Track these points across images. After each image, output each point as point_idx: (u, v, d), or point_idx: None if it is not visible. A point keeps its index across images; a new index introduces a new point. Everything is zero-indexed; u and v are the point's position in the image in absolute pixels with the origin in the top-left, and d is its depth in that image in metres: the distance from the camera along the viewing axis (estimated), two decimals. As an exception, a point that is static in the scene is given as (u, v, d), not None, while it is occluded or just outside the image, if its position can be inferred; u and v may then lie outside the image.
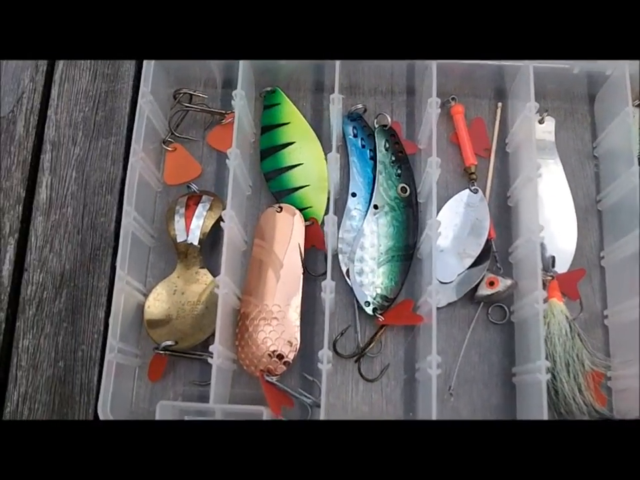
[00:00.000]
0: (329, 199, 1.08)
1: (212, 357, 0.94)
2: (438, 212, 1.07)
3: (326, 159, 1.12)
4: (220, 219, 1.07)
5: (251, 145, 1.16)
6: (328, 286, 0.96)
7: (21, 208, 1.14)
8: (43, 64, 1.22)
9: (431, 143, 1.03)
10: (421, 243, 1.08)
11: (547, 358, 0.94)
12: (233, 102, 1.05)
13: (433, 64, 1.07)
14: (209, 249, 1.10)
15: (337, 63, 1.07)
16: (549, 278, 1.07)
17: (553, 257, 1.09)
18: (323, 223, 1.09)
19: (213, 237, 1.09)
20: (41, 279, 1.11)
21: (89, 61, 1.21)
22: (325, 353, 0.93)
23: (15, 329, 1.09)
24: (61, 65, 1.22)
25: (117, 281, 0.97)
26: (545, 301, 0.96)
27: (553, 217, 1.11)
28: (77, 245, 1.12)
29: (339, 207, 1.10)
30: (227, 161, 1.02)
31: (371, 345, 1.05)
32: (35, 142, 1.18)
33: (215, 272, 1.08)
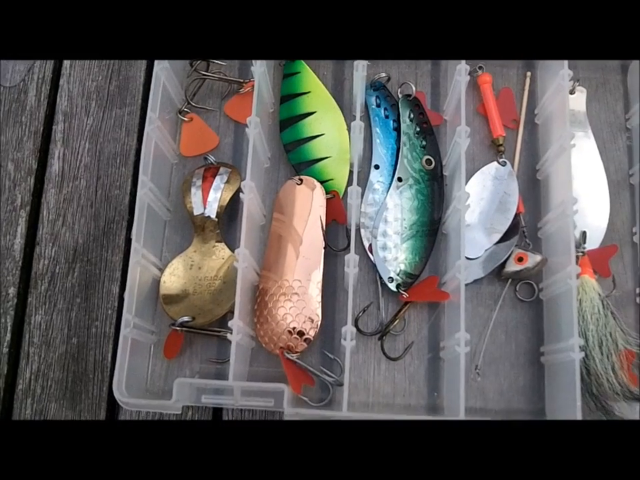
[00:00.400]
0: (351, 170, 1.04)
1: (230, 334, 0.90)
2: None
3: (348, 129, 1.08)
4: (238, 191, 1.03)
5: (270, 115, 1.12)
6: (351, 259, 0.92)
7: (32, 180, 1.11)
8: (54, 31, 1.17)
9: (459, 111, 0.99)
10: (447, 217, 1.04)
11: (579, 335, 0.90)
12: (252, 69, 1.01)
13: (461, 30, 1.02)
14: (226, 222, 1.07)
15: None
16: (580, 254, 1.02)
17: (584, 233, 1.05)
18: (344, 195, 1.05)
19: (231, 210, 1.06)
20: (53, 253, 1.07)
21: (102, 29, 1.16)
22: (348, 330, 0.90)
23: (27, 304, 1.06)
24: (73, 32, 1.17)
25: (132, 254, 0.94)
26: (577, 277, 0.92)
27: (584, 191, 1.07)
28: (90, 219, 1.09)
29: (361, 179, 1.06)
30: (246, 130, 0.98)
31: (395, 323, 1.01)
32: (46, 112, 1.14)
33: (232, 246, 1.04)
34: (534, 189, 1.09)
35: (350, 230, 0.97)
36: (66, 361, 1.03)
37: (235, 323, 0.90)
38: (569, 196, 0.95)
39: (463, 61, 1.00)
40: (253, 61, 1.00)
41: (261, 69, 1.00)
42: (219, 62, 1.10)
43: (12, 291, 1.06)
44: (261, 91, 1.02)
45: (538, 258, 1.02)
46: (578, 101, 1.12)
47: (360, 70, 1.00)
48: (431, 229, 1.05)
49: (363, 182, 1.07)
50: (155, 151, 1.01)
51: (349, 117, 1.11)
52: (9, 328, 1.05)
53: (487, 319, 1.04)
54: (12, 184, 1.10)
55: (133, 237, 0.94)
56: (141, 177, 0.96)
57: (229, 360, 0.90)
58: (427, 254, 1.04)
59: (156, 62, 1.01)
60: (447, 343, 0.98)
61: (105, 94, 1.14)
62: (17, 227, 1.09)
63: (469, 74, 1.04)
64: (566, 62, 1.01)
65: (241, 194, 0.95)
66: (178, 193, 1.08)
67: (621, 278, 1.06)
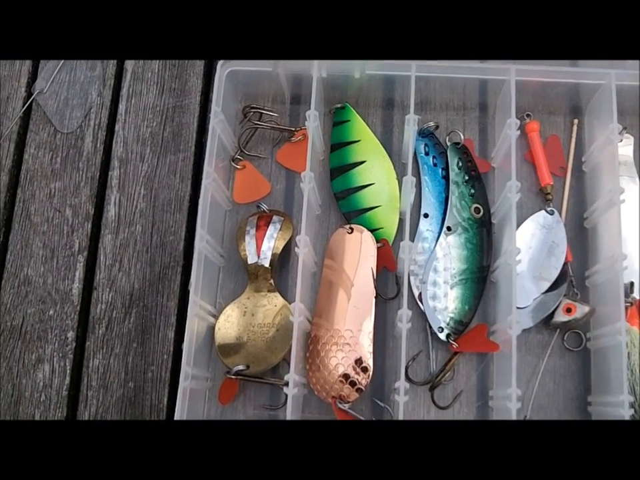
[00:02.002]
0: (401, 219, 1.07)
1: (284, 384, 0.93)
2: (513, 235, 1.04)
3: (397, 179, 1.10)
4: (291, 239, 1.06)
5: (321, 162, 1.14)
6: (404, 315, 0.94)
7: (89, 225, 1.14)
8: (110, 78, 1.21)
9: (509, 163, 1.01)
10: (497, 267, 1.06)
11: (628, 392, 0.91)
12: (306, 122, 1.03)
13: (512, 80, 1.04)
14: (279, 267, 1.09)
15: (412, 78, 1.05)
16: (628, 305, 1.03)
17: (632, 283, 1.05)
18: (394, 243, 1.07)
19: (283, 256, 1.08)
20: (110, 298, 1.11)
21: (156, 76, 1.20)
22: (402, 385, 0.92)
23: (85, 348, 1.09)
24: (128, 78, 1.21)
25: (190, 306, 0.97)
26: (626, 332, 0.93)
27: (631, 238, 1.08)
28: (145, 264, 1.12)
29: (411, 227, 1.07)
30: (300, 185, 1.00)
31: (446, 374, 1.03)
32: (103, 158, 1.17)
33: (284, 292, 1.07)
34: (581, 236, 1.10)
35: (401, 281, 0.99)
36: (123, 405, 1.07)
37: (292, 377, 0.92)
38: (618, 252, 0.96)
39: (513, 115, 1.02)
40: (307, 115, 1.02)
41: (314, 124, 1.02)
42: (271, 112, 1.13)
43: (71, 335, 1.10)
44: (314, 143, 1.04)
45: (586, 309, 1.03)
46: (625, 148, 1.13)
47: (412, 124, 1.02)
48: (480, 276, 1.07)
49: (413, 230, 1.08)
50: (210, 200, 1.03)
51: (397, 164, 1.13)
52: (68, 371, 1.08)
53: (535, 367, 1.05)
54: (70, 229, 1.14)
55: (192, 289, 0.97)
56: (199, 231, 0.99)
57: (282, 406, 0.93)
58: (476, 302, 1.06)
59: (212, 114, 1.04)
60: (497, 394, 1.00)
61: (159, 140, 1.17)
62: (75, 271, 1.12)
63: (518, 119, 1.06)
64: (615, 114, 1.02)
65: (295, 248, 0.98)
66: (231, 239, 1.11)
67: (669, 327, 1.06)
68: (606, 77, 1.05)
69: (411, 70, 1.05)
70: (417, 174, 1.12)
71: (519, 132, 1.02)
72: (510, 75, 1.05)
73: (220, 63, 1.07)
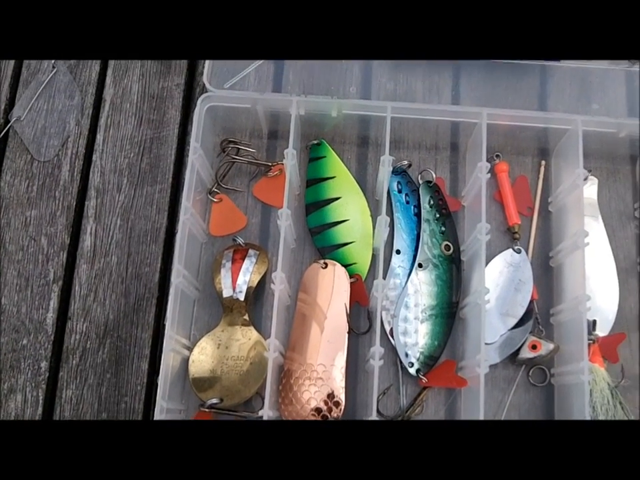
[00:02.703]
0: (373, 255, 1.09)
1: (258, 418, 0.95)
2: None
3: (371, 215, 1.13)
4: (266, 273, 1.08)
5: (296, 197, 1.16)
6: (377, 352, 0.97)
7: (65, 255, 1.15)
8: (88, 107, 1.22)
9: (479, 204, 1.04)
10: (466, 305, 1.09)
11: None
12: (284, 160, 1.06)
13: (483, 123, 1.08)
14: (253, 299, 1.11)
15: (388, 120, 1.08)
16: (590, 342, 1.07)
17: (594, 321, 1.09)
18: (366, 278, 1.10)
19: (257, 288, 1.10)
20: (84, 328, 1.11)
21: (134, 107, 1.21)
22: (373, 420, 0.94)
23: (59, 378, 1.10)
24: (106, 109, 1.22)
25: (166, 341, 0.98)
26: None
27: (594, 276, 1.12)
28: (120, 295, 1.13)
29: (384, 263, 1.10)
30: (277, 221, 1.02)
31: (415, 409, 1.06)
32: (79, 187, 1.18)
33: (257, 323, 1.09)
34: (547, 275, 1.14)
35: (373, 316, 1.02)
36: (96, 435, 1.07)
37: (266, 412, 0.94)
38: (582, 293, 1.00)
39: (484, 158, 1.05)
40: (285, 153, 1.05)
41: (292, 162, 1.05)
42: (249, 148, 1.15)
43: (44, 365, 1.10)
44: (291, 180, 1.06)
45: (551, 346, 1.07)
46: (590, 189, 1.17)
47: (387, 165, 1.05)
48: (450, 312, 1.10)
49: (385, 265, 1.11)
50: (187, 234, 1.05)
51: (371, 200, 1.16)
52: (40, 402, 1.09)
53: (500, 401, 1.09)
54: (45, 258, 1.14)
55: (167, 324, 0.99)
56: (176, 266, 1.00)
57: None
58: (445, 338, 1.09)
59: (191, 150, 1.06)
60: (464, 429, 1.03)
61: (136, 171, 1.18)
62: (49, 301, 1.13)
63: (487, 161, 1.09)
64: (581, 160, 1.06)
65: (271, 285, 1.00)
66: (207, 271, 1.12)
67: (628, 363, 1.11)
68: (572, 122, 1.09)
69: (387, 111, 1.08)
70: (390, 211, 1.14)
71: (489, 175, 1.05)
72: (481, 118, 1.08)
73: (200, 98, 1.09)
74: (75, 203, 1.17)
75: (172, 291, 1.00)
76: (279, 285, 0.99)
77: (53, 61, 1.24)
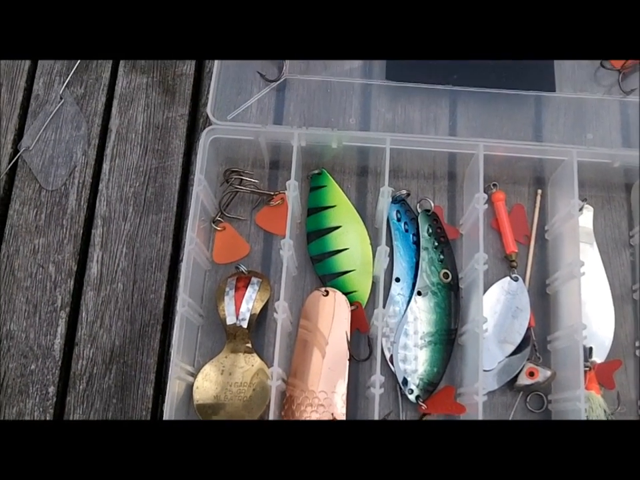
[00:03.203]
0: (373, 282, 1.12)
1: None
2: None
3: (371, 244, 1.16)
4: (268, 301, 1.11)
5: (298, 225, 1.19)
6: (377, 381, 0.99)
7: (72, 282, 1.17)
8: (95, 138, 1.25)
9: (477, 233, 1.07)
10: (464, 332, 1.11)
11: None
12: (286, 192, 1.09)
13: (480, 155, 1.10)
14: (255, 326, 1.13)
15: (387, 151, 1.10)
16: (587, 369, 1.09)
17: (591, 348, 1.12)
18: (366, 306, 1.13)
19: (260, 315, 1.13)
20: (91, 354, 1.14)
21: (139, 137, 1.24)
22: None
23: (66, 403, 1.12)
24: (112, 139, 1.25)
25: (171, 369, 1.00)
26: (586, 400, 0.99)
27: (590, 303, 1.14)
28: (126, 321, 1.15)
29: (383, 291, 1.13)
30: (280, 251, 1.05)
31: (415, 434, 1.08)
32: (86, 216, 1.21)
33: (259, 349, 1.12)
34: (544, 302, 1.16)
35: (374, 343, 1.05)
36: (102, 460, 1.09)
37: (269, 439, 0.96)
38: (578, 322, 1.02)
39: (481, 189, 1.08)
40: (287, 184, 1.08)
41: (294, 193, 1.08)
42: (251, 179, 1.18)
43: (51, 389, 1.12)
44: (293, 211, 1.09)
45: (548, 373, 1.09)
46: (585, 218, 1.20)
47: (386, 195, 1.08)
48: (448, 339, 1.13)
49: (385, 293, 1.14)
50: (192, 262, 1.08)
51: (371, 229, 1.19)
52: (48, 426, 1.10)
53: (498, 426, 1.10)
54: (53, 285, 1.17)
55: (173, 352, 1.01)
56: (181, 295, 1.03)
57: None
58: (444, 364, 1.12)
59: (196, 181, 1.08)
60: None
61: (141, 200, 1.21)
62: (57, 327, 1.15)
63: (484, 190, 1.12)
64: (576, 190, 1.09)
65: (274, 314, 1.02)
66: (210, 298, 1.15)
67: (624, 389, 1.13)
68: (568, 153, 1.12)
69: (386, 143, 1.11)
70: (389, 239, 1.17)
71: (486, 206, 1.08)
72: (478, 150, 1.11)
73: (205, 131, 1.12)
74: (81, 231, 1.20)
75: (177, 319, 1.02)
76: (282, 314, 1.01)
77: (60, 92, 1.26)
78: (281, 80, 1.24)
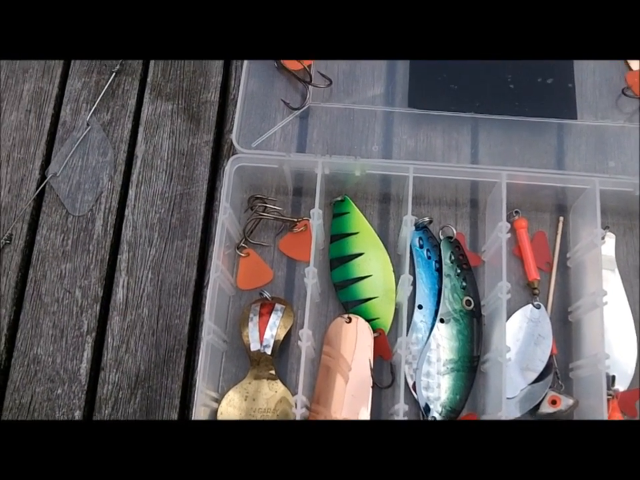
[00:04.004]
0: (396, 309, 1.13)
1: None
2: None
3: (393, 271, 1.17)
4: (292, 327, 1.12)
5: (321, 251, 1.20)
6: (401, 409, 1.00)
7: (98, 307, 1.19)
8: (121, 164, 1.27)
9: (499, 260, 1.08)
10: (487, 360, 1.12)
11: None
12: (310, 221, 1.10)
13: (503, 183, 1.11)
14: (279, 352, 1.14)
15: (410, 179, 1.12)
16: (609, 398, 1.09)
17: (613, 377, 1.12)
18: (389, 333, 1.13)
19: (283, 341, 1.14)
20: (116, 379, 1.15)
21: (165, 163, 1.26)
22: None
23: (92, 428, 1.13)
24: (138, 165, 1.27)
25: (197, 396, 1.01)
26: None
27: (612, 330, 1.14)
28: (151, 346, 1.17)
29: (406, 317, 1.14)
30: (304, 279, 1.06)
31: (438, 462, 1.09)
32: (112, 241, 1.23)
33: (282, 374, 1.13)
34: (566, 329, 1.17)
35: (396, 370, 1.07)
36: (127, 484, 1.10)
37: (293, 467, 0.97)
38: (601, 352, 1.03)
39: (504, 219, 1.09)
40: (311, 213, 1.09)
41: (318, 221, 1.09)
42: (276, 207, 1.19)
43: (77, 414, 1.14)
44: (317, 238, 1.10)
45: (570, 402, 1.09)
46: (607, 245, 1.20)
47: (409, 224, 1.09)
48: (471, 366, 1.13)
49: (408, 320, 1.14)
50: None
51: (393, 255, 1.20)
52: (74, 451, 1.12)
53: (521, 454, 1.11)
54: (79, 310, 1.19)
55: (199, 379, 1.02)
56: (206, 322, 1.04)
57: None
58: (467, 392, 1.12)
59: (221, 210, 1.10)
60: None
61: (167, 226, 1.23)
62: (83, 352, 1.17)
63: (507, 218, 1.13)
64: (599, 220, 1.09)
65: (298, 342, 1.03)
66: (234, 324, 1.16)
67: (646, 418, 1.13)
68: (590, 182, 1.13)
69: (409, 171, 1.12)
70: (411, 266, 1.18)
71: (509, 235, 1.09)
72: (501, 178, 1.12)
73: (230, 160, 1.13)
74: (107, 257, 1.21)
75: (203, 347, 1.03)
76: (306, 342, 1.03)
77: (87, 119, 1.28)
78: (305, 107, 1.25)
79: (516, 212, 1.22)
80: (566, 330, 1.17)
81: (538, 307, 1.16)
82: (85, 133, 1.29)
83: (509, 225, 1.09)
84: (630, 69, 1.29)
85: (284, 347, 1.15)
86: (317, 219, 1.09)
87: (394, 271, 1.18)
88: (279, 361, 1.15)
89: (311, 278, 1.06)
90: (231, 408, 1.10)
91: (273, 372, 1.11)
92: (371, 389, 1.10)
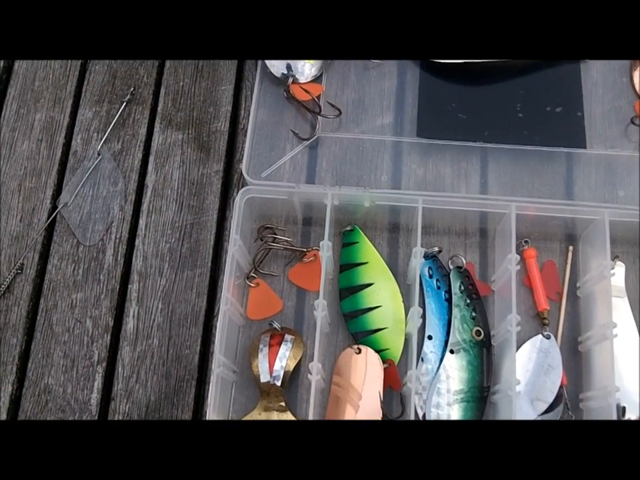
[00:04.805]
0: (406, 339, 1.13)
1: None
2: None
3: (403, 301, 1.17)
4: (302, 358, 1.12)
5: (330, 281, 1.20)
6: (411, 443, 0.99)
7: (109, 337, 1.20)
8: (131, 193, 1.28)
9: (509, 291, 1.08)
10: (496, 392, 1.12)
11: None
12: (320, 252, 1.11)
13: (512, 214, 1.11)
14: (289, 383, 1.14)
15: (419, 211, 1.12)
16: (620, 429, 1.09)
17: (624, 408, 1.11)
18: (399, 363, 1.13)
19: (292, 371, 1.14)
20: (127, 409, 1.16)
21: (175, 193, 1.27)
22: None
23: (102, 458, 1.13)
24: (148, 195, 1.27)
25: (208, 428, 1.01)
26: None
27: (622, 358, 1.14)
28: (162, 377, 1.17)
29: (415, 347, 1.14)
30: (314, 312, 1.07)
31: (448, 495, 1.08)
32: (123, 271, 1.23)
33: (292, 405, 1.13)
34: (576, 359, 1.16)
35: (406, 401, 1.07)
36: (137, 516, 1.10)
37: (303, 502, 0.97)
38: (611, 385, 1.02)
39: (513, 251, 1.09)
40: (320, 245, 1.10)
41: (327, 254, 1.10)
42: (286, 237, 1.20)
43: (88, 444, 1.14)
44: (327, 270, 1.11)
45: (581, 434, 1.09)
46: (617, 275, 1.20)
47: (418, 256, 1.09)
48: (481, 397, 1.13)
49: (418, 351, 1.14)
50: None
51: (402, 285, 1.20)
52: (84, 482, 1.12)
53: (531, 486, 1.10)
54: (90, 340, 1.19)
55: (209, 411, 1.03)
56: (217, 355, 1.05)
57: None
58: (476, 423, 1.12)
59: (231, 242, 1.11)
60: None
61: (177, 256, 1.23)
62: (94, 382, 1.17)
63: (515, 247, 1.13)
64: (608, 251, 1.10)
65: (308, 375, 1.04)
66: (244, 354, 1.17)
67: (658, 449, 1.12)
68: (599, 213, 1.13)
69: (418, 202, 1.12)
70: (420, 295, 1.18)
71: (519, 267, 1.09)
72: (510, 209, 1.12)
73: (240, 192, 1.14)
74: (118, 287, 1.22)
75: (213, 379, 1.04)
76: (316, 376, 1.03)
77: (98, 148, 1.29)
78: (314, 138, 1.26)
79: (525, 241, 1.22)
80: (576, 360, 1.17)
81: (548, 337, 1.16)
82: (95, 163, 1.30)
83: (518, 257, 1.09)
84: (639, 97, 1.29)
85: (294, 377, 1.15)
86: (326, 251, 1.10)
87: (403, 301, 1.18)
88: (288, 390, 1.15)
89: (321, 310, 1.06)
90: (241, 439, 1.10)
91: (282, 404, 1.11)
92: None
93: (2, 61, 1.38)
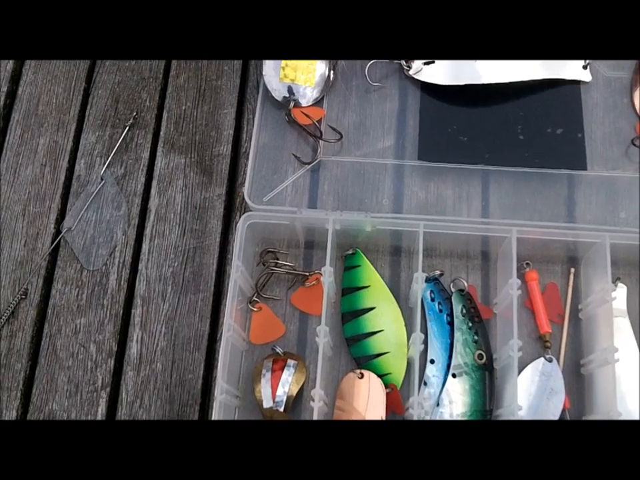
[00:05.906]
0: (408, 363, 1.13)
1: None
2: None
3: (405, 325, 1.18)
4: (304, 384, 1.13)
5: (333, 304, 1.21)
6: (414, 470, 1.00)
7: (112, 362, 1.20)
8: (134, 217, 1.28)
9: (510, 315, 1.08)
10: (499, 416, 1.12)
11: None
12: (322, 278, 1.11)
13: (513, 238, 1.12)
14: (291, 408, 1.15)
15: (420, 235, 1.12)
16: (623, 453, 1.09)
17: (627, 431, 1.11)
18: (402, 388, 1.14)
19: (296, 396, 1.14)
20: (131, 435, 1.15)
21: (178, 217, 1.27)
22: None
23: (106, 484, 1.14)
24: (151, 219, 1.28)
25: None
26: None
27: (624, 378, 1.14)
28: (165, 402, 1.17)
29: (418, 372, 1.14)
30: (316, 339, 1.07)
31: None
32: (126, 296, 1.24)
33: (296, 431, 1.12)
34: (578, 382, 1.17)
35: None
36: (141, 542, 1.11)
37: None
38: (614, 410, 1.03)
39: (514, 275, 1.09)
40: (322, 270, 1.10)
41: (329, 279, 1.10)
42: (288, 263, 1.20)
43: (92, 470, 1.14)
44: (329, 296, 1.11)
45: (584, 458, 1.09)
46: (619, 297, 1.20)
47: (420, 282, 1.09)
48: (483, 420, 1.13)
49: (420, 375, 1.14)
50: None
51: (404, 308, 1.20)
52: (89, 507, 1.13)
53: (535, 510, 1.10)
54: (94, 365, 1.20)
55: (212, 438, 1.03)
56: (219, 382, 1.05)
57: None
58: (479, 447, 1.12)
59: (234, 268, 1.11)
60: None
61: (180, 280, 1.24)
62: (97, 407, 1.18)
63: (517, 269, 1.13)
64: (609, 275, 1.10)
65: (311, 402, 1.04)
66: (246, 379, 1.17)
67: (662, 471, 1.12)
68: (601, 236, 1.13)
69: (419, 227, 1.13)
70: (422, 319, 1.18)
71: (519, 291, 1.09)
72: (511, 233, 1.12)
73: (242, 217, 1.15)
74: (122, 311, 1.23)
75: (216, 406, 1.04)
76: (318, 402, 1.03)
77: (101, 173, 1.30)
78: (316, 161, 1.26)
79: (527, 264, 1.22)
80: (578, 383, 1.17)
81: (550, 361, 1.16)
82: (99, 187, 1.30)
83: (519, 282, 1.09)
84: (640, 118, 1.30)
85: (297, 402, 1.16)
86: (328, 277, 1.10)
87: (405, 325, 1.18)
88: (292, 416, 1.15)
89: (323, 337, 1.07)
90: (244, 465, 1.10)
91: (285, 429, 1.12)
92: (383, 446, 1.10)
93: (6, 86, 1.39)
